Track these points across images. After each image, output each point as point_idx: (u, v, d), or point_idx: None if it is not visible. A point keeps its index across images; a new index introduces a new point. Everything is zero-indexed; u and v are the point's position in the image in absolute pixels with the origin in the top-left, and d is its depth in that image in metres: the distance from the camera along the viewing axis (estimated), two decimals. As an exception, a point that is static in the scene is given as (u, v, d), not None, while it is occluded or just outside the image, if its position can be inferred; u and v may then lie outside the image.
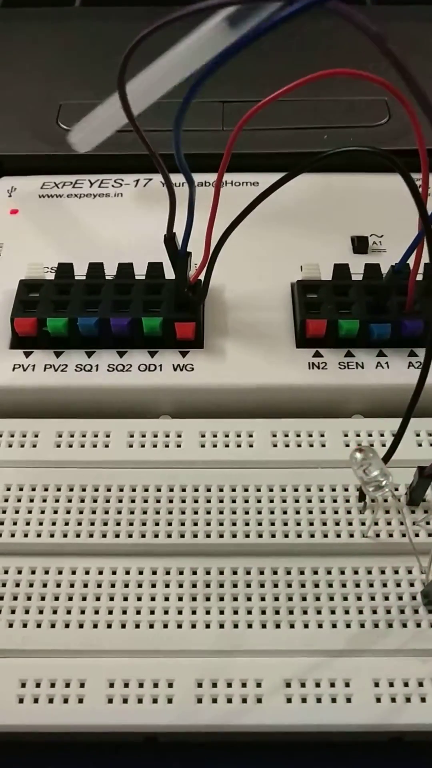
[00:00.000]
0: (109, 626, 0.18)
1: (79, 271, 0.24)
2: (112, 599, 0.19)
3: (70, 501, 0.20)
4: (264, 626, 0.18)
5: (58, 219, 0.27)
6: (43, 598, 0.19)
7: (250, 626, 0.18)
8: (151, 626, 0.18)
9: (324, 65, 0.19)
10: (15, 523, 0.20)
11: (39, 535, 0.20)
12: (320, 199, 0.27)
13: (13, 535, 0.20)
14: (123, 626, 0.18)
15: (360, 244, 0.25)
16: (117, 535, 0.20)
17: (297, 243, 0.26)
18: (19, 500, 0.20)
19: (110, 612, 0.19)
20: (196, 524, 0.20)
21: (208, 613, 0.19)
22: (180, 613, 0.19)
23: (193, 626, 0.18)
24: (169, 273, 0.23)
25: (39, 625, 0.18)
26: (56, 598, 0.19)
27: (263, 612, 0.19)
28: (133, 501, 0.20)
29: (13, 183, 0.28)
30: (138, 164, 0.27)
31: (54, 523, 0.20)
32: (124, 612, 0.19)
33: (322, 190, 0.28)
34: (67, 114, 0.30)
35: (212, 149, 0.22)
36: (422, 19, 0.35)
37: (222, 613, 0.19)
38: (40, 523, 0.20)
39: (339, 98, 0.31)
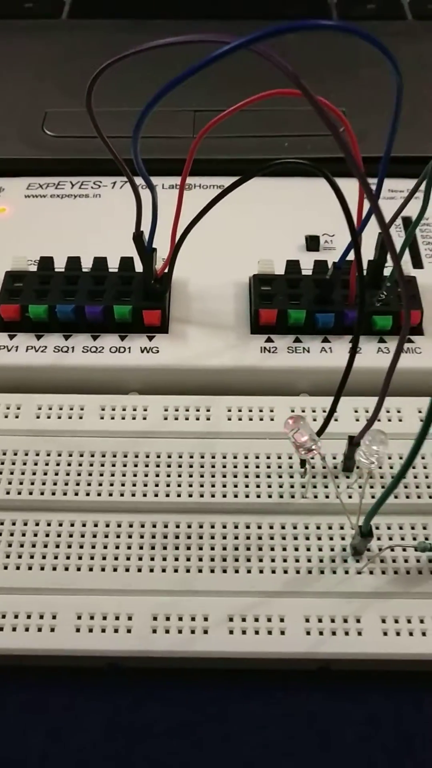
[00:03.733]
0: (79, 569, 0.21)
1: (59, 263, 0.27)
2: (81, 547, 0.22)
3: (47, 464, 0.23)
4: (212, 571, 0.21)
5: (41, 217, 0.29)
6: (22, 546, 0.22)
7: (200, 571, 0.21)
8: (115, 569, 0.21)
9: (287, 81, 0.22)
10: (-2, 483, 0.23)
11: (20, 493, 0.22)
12: (278, 202, 0.30)
13: (-4, 493, 0.23)
14: (90, 569, 0.21)
15: (312, 243, 0.28)
16: (87, 494, 0.23)
17: (256, 242, 0.28)
18: (2, 463, 0.23)
19: (80, 558, 0.21)
20: (157, 485, 0.23)
21: (164, 559, 0.21)
22: (140, 559, 0.21)
23: (151, 570, 0.21)
24: (139, 267, 0.26)
25: (18, 568, 0.21)
26: (33, 546, 0.22)
27: (212, 559, 0.22)
28: (102, 465, 0.23)
29: (1, 184, 0.31)
30: (115, 168, 0.30)
31: (33, 483, 0.23)
32: (92, 558, 0.21)
33: (281, 193, 0.30)
34: (52, 121, 0.32)
35: (183, 155, 0.24)
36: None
37: (176, 560, 0.21)
38: (21, 483, 0.23)
39: (300, 108, 0.33)
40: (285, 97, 0.30)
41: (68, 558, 0.21)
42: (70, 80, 0.34)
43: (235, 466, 0.23)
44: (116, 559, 0.21)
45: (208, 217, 0.24)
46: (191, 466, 0.23)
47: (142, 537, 0.22)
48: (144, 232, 0.24)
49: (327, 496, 0.23)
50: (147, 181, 0.22)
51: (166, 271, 0.25)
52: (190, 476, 0.23)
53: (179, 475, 0.23)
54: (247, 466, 0.23)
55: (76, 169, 0.31)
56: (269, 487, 0.23)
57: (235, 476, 0.23)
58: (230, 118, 0.32)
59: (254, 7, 0.40)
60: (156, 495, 0.23)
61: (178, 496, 0.23)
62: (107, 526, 0.22)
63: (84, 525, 0.22)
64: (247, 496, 0.23)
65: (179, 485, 0.23)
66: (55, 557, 0.21)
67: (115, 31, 0.38)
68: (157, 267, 0.26)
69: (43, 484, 0.23)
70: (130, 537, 0.22)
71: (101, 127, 0.21)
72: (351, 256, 0.25)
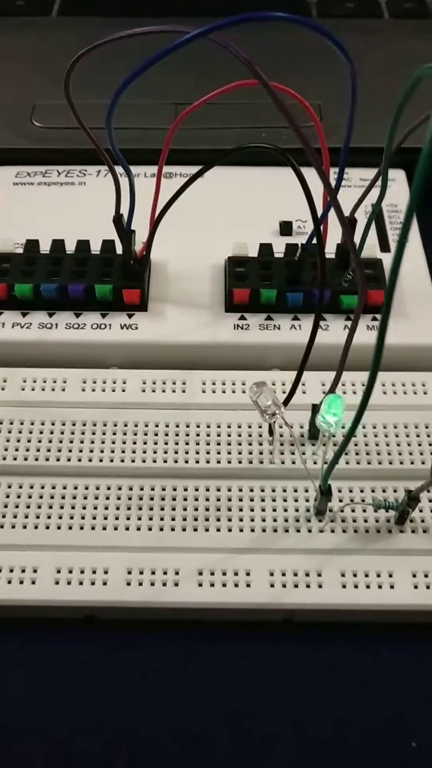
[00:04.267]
0: (59, 528, 0.23)
1: (45, 246, 0.28)
2: (62, 507, 0.23)
3: (31, 432, 0.25)
4: (184, 530, 0.23)
5: (28, 203, 0.31)
6: (6, 506, 0.23)
7: (173, 529, 0.23)
8: (93, 528, 0.23)
9: (267, 73, 0.23)
10: (-15, 449, 0.24)
11: (4, 459, 0.24)
12: (256, 190, 0.32)
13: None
14: (70, 528, 0.23)
15: (285, 228, 0.30)
16: (69, 460, 0.24)
17: (233, 227, 0.30)
18: (-11, 431, 0.25)
19: (60, 517, 0.23)
20: (134, 452, 0.24)
21: (139, 519, 0.23)
22: (117, 519, 0.23)
23: (127, 529, 0.23)
24: (120, 249, 0.27)
25: (2, 527, 0.23)
26: (16, 506, 0.23)
27: (184, 519, 0.23)
28: (83, 433, 0.25)
29: (-9, 172, 0.32)
30: (99, 158, 0.32)
31: (17, 450, 0.24)
32: (71, 517, 0.23)
33: (258, 182, 0.32)
34: (40, 113, 0.34)
35: (157, 146, 0.26)
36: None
37: (151, 519, 0.23)
38: (6, 449, 0.24)
39: (270, 101, 0.35)
40: (264, 91, 0.31)
41: (49, 518, 0.23)
42: (58, 74, 0.36)
43: (208, 435, 0.25)
44: (94, 518, 0.23)
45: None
46: (167, 435, 0.25)
47: (119, 499, 0.23)
48: (124, 215, 0.26)
49: (293, 462, 0.24)
50: (123, 165, 0.23)
51: (145, 253, 0.27)
52: (165, 444, 0.25)
53: (155, 443, 0.25)
54: (219, 435, 0.25)
55: (63, 159, 0.32)
56: (239, 453, 0.24)
57: (208, 444, 0.25)
58: (212, 110, 0.34)
59: (239, 5, 0.41)
60: (133, 461, 0.24)
61: (154, 462, 0.24)
62: (86, 488, 0.24)
63: (65, 488, 0.24)
64: (218, 462, 0.24)
65: (155, 452, 0.24)
66: (37, 517, 0.23)
67: (102, 28, 0.39)
68: (137, 249, 0.27)
69: (27, 450, 0.24)
70: (107, 499, 0.23)
71: (89, 118, 0.22)
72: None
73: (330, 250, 0.28)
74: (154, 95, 0.33)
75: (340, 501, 0.23)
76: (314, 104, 0.35)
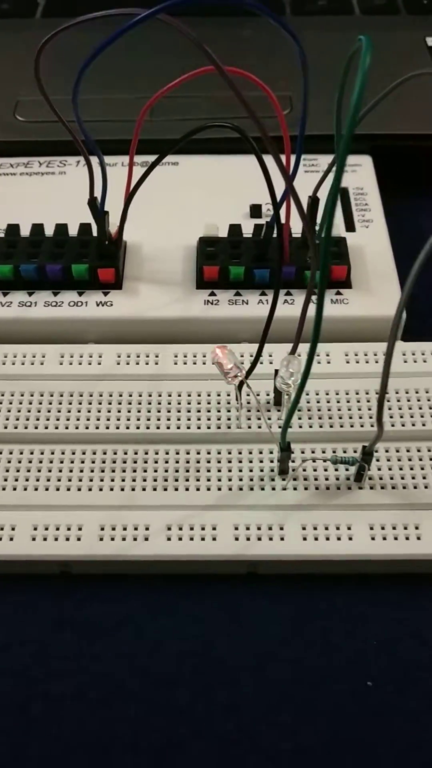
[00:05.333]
0: (36, 489, 0.24)
1: (25, 231, 0.30)
2: (39, 471, 0.24)
3: (11, 403, 0.26)
4: (154, 489, 0.24)
5: (11, 192, 0.32)
6: (-14, 470, 0.25)
7: (144, 489, 0.24)
8: (68, 489, 0.24)
9: (240, 68, 0.25)
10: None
11: (-14, 427, 0.26)
12: (228, 176, 0.33)
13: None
14: (47, 489, 0.24)
15: (255, 211, 0.31)
16: (46, 427, 0.25)
17: (206, 210, 0.31)
18: (-28, 401, 0.26)
19: (37, 480, 0.24)
20: (108, 419, 0.26)
21: (112, 480, 0.24)
22: (91, 480, 0.24)
23: (100, 489, 0.24)
24: (96, 231, 0.29)
25: (-16, 488, 0.24)
26: (-4, 469, 0.25)
27: (155, 480, 0.24)
28: (60, 403, 0.26)
29: (-24, 164, 0.34)
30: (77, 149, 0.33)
31: (-3, 418, 0.26)
32: (48, 480, 0.24)
33: (230, 168, 0.33)
34: (23, 108, 0.36)
35: (141, 135, 0.27)
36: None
37: (123, 480, 0.24)
38: (-13, 418, 0.26)
39: (251, 94, 0.36)
40: (238, 84, 0.32)
41: (27, 480, 0.24)
42: (41, 72, 0.37)
43: (179, 403, 0.26)
44: (70, 480, 0.24)
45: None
46: (140, 404, 0.26)
47: (93, 462, 0.25)
48: (98, 198, 0.27)
49: (259, 427, 0.26)
50: (92, 148, 0.25)
51: (119, 234, 0.28)
52: (138, 412, 0.26)
53: (128, 411, 0.26)
54: (189, 403, 0.26)
55: (44, 150, 0.34)
56: (208, 420, 0.26)
57: (179, 411, 0.26)
58: (187, 103, 0.36)
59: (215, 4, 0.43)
60: (107, 428, 0.26)
61: (127, 428, 0.26)
62: (62, 453, 0.25)
63: (42, 453, 0.25)
64: (188, 428, 0.26)
65: (128, 419, 0.26)
66: (16, 480, 0.24)
67: (83, 29, 0.41)
68: (112, 231, 0.29)
69: (7, 420, 0.26)
70: (83, 462, 0.25)
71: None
72: (282, 220, 0.28)
73: (297, 230, 0.29)
74: (132, 90, 0.35)
75: (303, 462, 0.25)
76: (285, 95, 0.37)
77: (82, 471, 0.24)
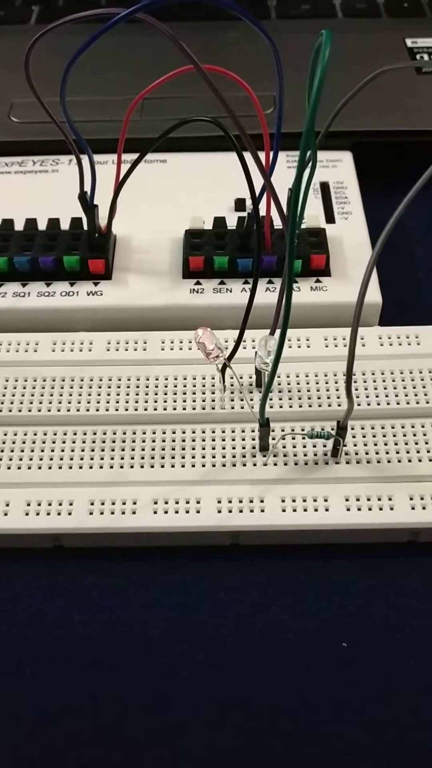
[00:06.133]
0: (29, 468, 0.25)
1: (19, 227, 0.31)
2: (32, 451, 0.26)
3: (5, 387, 0.27)
4: (142, 467, 0.25)
5: (6, 189, 0.34)
6: (-18, 449, 0.26)
7: (132, 467, 0.25)
8: (60, 467, 0.25)
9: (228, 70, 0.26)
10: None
11: (-18, 410, 0.27)
12: (215, 172, 0.34)
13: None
14: (40, 468, 0.25)
15: (239, 204, 0.33)
16: (39, 410, 0.27)
17: (193, 205, 0.33)
18: (-33, 386, 0.27)
19: (31, 459, 0.26)
20: (98, 402, 0.27)
21: (102, 459, 0.26)
22: (81, 459, 0.26)
23: (90, 467, 0.25)
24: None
25: (-21, 466, 0.25)
26: (-9, 449, 0.26)
27: (142, 458, 0.26)
28: (53, 387, 0.27)
29: (-29, 164, 0.35)
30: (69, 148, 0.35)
31: (-8, 402, 0.27)
32: (41, 459, 0.26)
33: (217, 165, 0.34)
34: (17, 110, 0.37)
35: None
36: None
37: (112, 459, 0.26)
38: (-17, 402, 0.27)
39: (237, 94, 0.38)
40: (224, 85, 0.34)
41: (21, 459, 0.26)
42: (34, 75, 0.39)
43: (166, 386, 0.27)
44: (61, 459, 0.26)
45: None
46: (128, 387, 0.27)
47: (84, 442, 0.26)
48: (87, 192, 0.29)
49: (242, 408, 0.27)
50: (81, 143, 0.26)
51: (108, 226, 0.30)
52: (127, 395, 0.27)
53: (118, 394, 0.27)
54: (176, 386, 0.27)
55: (38, 150, 0.35)
56: (193, 401, 0.27)
57: (165, 393, 0.27)
58: (175, 102, 0.37)
59: (202, 10, 0.44)
60: (97, 410, 0.27)
61: (116, 410, 0.27)
62: (55, 434, 0.26)
63: (35, 434, 0.26)
64: (174, 409, 0.27)
65: (117, 402, 0.27)
66: (10, 459, 0.26)
67: (75, 34, 0.42)
68: (102, 225, 0.30)
69: (2, 403, 0.27)
70: (74, 443, 0.26)
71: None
72: (263, 212, 0.29)
73: (279, 222, 0.30)
74: (123, 92, 0.36)
75: (283, 438, 0.26)
76: (270, 95, 0.38)
77: (73, 450, 0.26)
